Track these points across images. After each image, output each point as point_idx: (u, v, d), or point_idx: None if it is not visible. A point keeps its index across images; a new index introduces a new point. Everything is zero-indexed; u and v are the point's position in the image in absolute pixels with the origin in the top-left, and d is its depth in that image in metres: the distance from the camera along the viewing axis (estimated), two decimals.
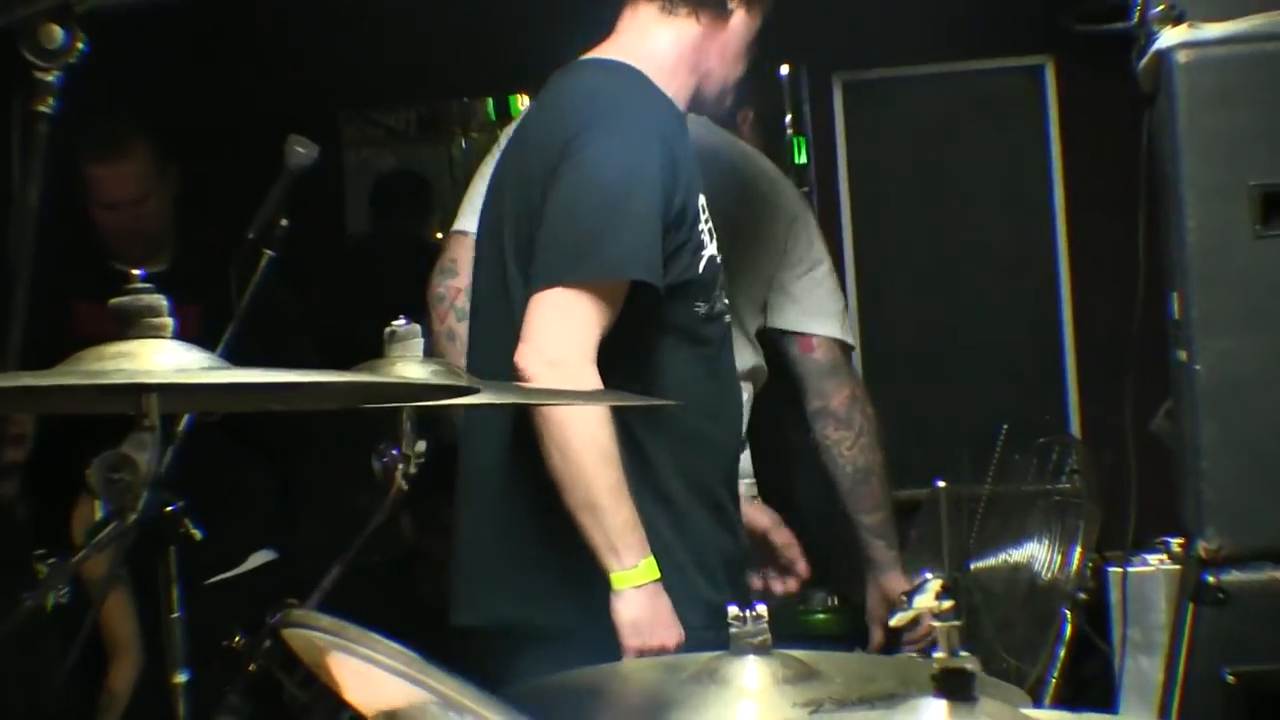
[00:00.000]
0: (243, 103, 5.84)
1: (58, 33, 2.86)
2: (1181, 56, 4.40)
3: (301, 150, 5.48)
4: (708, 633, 4.80)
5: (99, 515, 5.83)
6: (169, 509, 3.47)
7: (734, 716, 3.64)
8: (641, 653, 4.80)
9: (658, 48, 5.31)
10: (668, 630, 4.88)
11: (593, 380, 4.95)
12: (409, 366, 3.56)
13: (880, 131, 7.95)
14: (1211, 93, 4.37)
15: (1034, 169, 7.16)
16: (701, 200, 5.34)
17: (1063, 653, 4.44)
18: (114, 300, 2.89)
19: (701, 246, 5.27)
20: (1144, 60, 4.64)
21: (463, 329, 5.87)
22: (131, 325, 2.90)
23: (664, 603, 4.94)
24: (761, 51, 5.76)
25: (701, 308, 5.25)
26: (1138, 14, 4.60)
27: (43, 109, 2.84)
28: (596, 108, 5.28)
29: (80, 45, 2.87)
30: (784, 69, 7.55)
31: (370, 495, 4.99)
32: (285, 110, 5.65)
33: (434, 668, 3.28)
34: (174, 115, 6.38)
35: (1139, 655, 4.97)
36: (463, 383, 4.07)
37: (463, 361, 5.66)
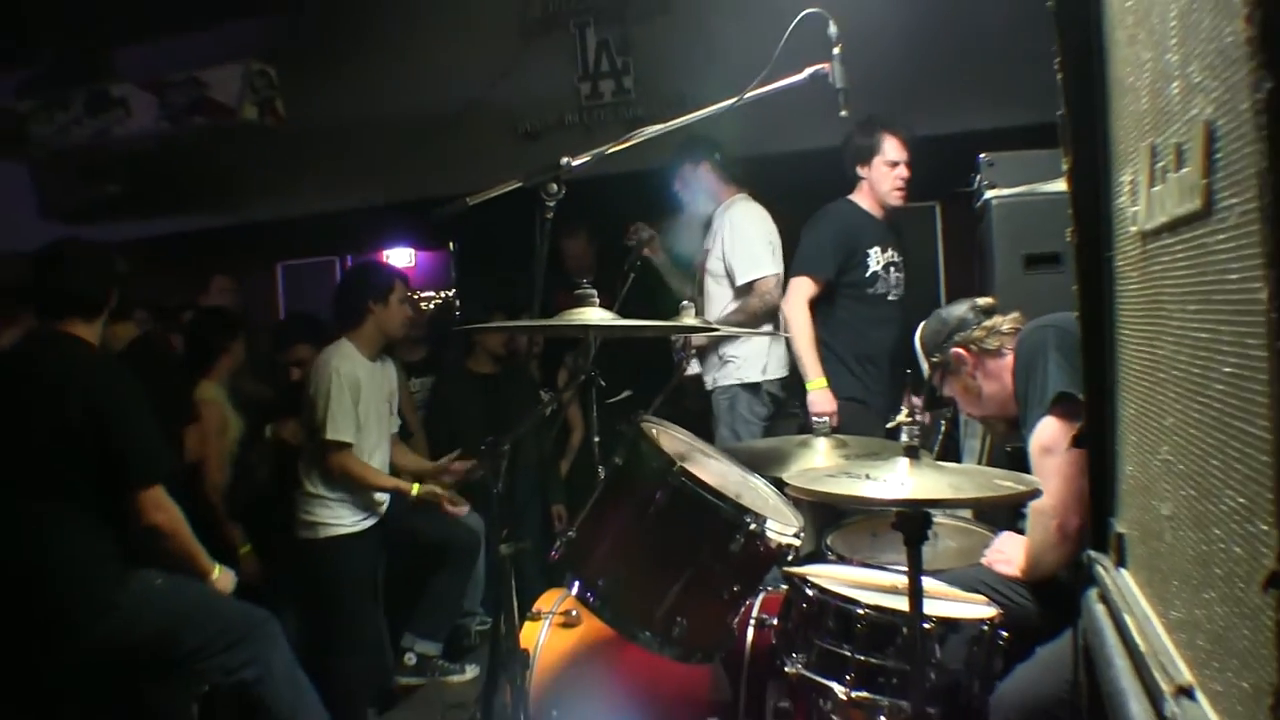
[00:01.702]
0: (622, 212, 5.65)
1: (555, 186, 2.83)
2: (995, 202, 4.28)
3: (644, 234, 5.40)
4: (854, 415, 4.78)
5: (566, 377, 5.79)
6: (593, 372, 3.20)
7: (814, 460, 3.53)
8: (817, 415, 4.58)
9: (861, 193, 5.07)
10: (829, 406, 4.75)
11: (804, 311, 4.87)
12: (688, 320, 3.49)
13: None
14: (1007, 216, 4.28)
15: (930, 254, 6.84)
16: (874, 247, 4.99)
17: (939, 438, 4.34)
18: (576, 291, 2.86)
19: (867, 267, 4.95)
20: (979, 203, 4.50)
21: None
22: (583, 303, 2.83)
23: (828, 397, 4.76)
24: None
25: (860, 289, 4.96)
26: (977, 182, 4.47)
27: (548, 217, 2.80)
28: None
29: (562, 191, 2.83)
30: None
31: (671, 372, 4.93)
32: (629, 215, 5.49)
33: (697, 438, 3.22)
34: (593, 221, 6.19)
35: (970, 439, 4.86)
36: (702, 325, 4.09)
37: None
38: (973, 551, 3.28)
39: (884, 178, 5.00)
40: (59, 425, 3.47)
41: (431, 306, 8.39)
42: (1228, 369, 0.95)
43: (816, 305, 4.97)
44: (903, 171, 5.01)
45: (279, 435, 5.14)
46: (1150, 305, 1.31)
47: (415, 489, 4.83)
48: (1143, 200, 1.29)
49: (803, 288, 4.95)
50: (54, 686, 3.57)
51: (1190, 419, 1.10)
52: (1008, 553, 3.10)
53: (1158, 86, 1.21)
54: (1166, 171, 1.16)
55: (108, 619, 3.52)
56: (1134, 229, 1.36)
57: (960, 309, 3.37)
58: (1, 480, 3.52)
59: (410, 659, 5.20)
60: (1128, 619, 1.31)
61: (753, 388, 5.34)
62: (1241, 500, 0.91)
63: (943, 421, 4.94)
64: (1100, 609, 1.51)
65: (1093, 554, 1.64)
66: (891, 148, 4.98)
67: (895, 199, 5.02)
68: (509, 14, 7.28)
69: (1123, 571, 1.50)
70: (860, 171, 5.05)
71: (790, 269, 5.09)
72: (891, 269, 5.04)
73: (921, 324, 3.50)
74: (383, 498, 4.88)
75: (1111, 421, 1.56)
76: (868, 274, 4.97)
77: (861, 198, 5.08)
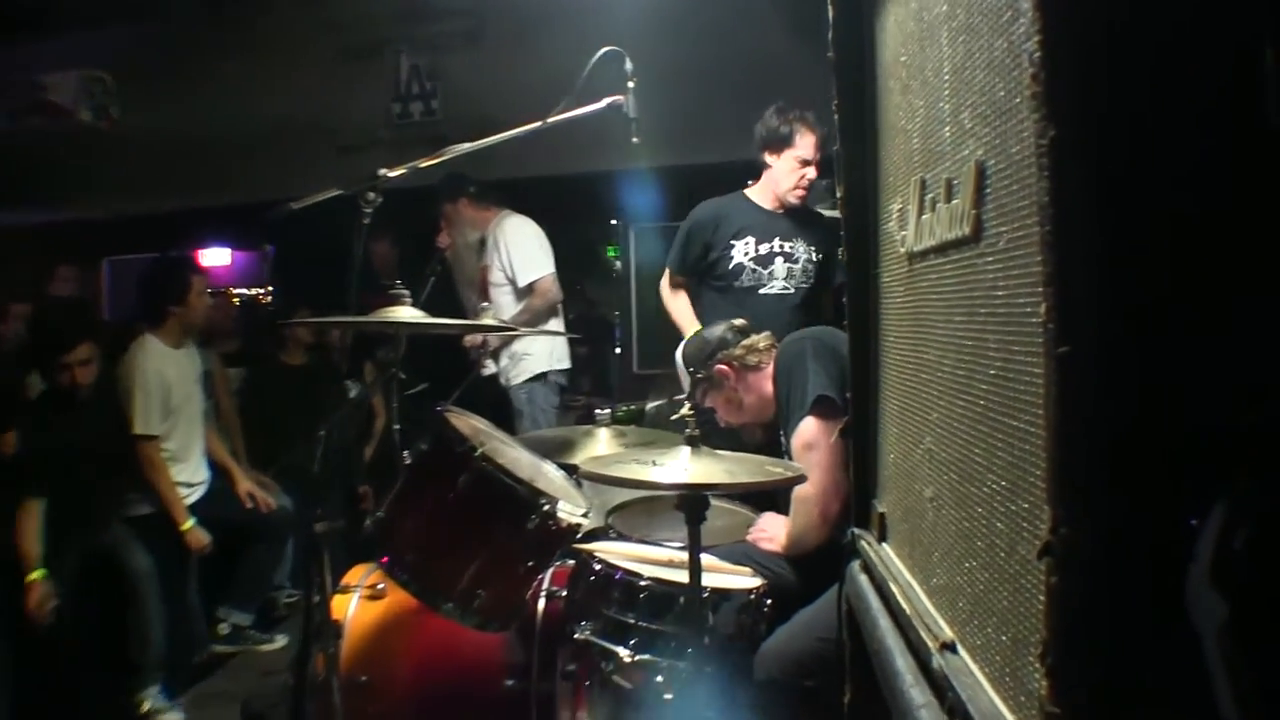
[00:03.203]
0: (424, 225, 5.65)
1: (372, 194, 2.79)
2: None
3: (444, 240, 5.33)
4: None
5: (373, 369, 5.59)
6: (394, 369, 3.07)
7: (597, 448, 3.54)
8: None
9: (760, 184, 4.37)
10: None
11: (669, 295, 4.49)
12: (485, 321, 3.45)
13: (647, 249, 7.50)
14: None
15: None
16: (745, 239, 4.31)
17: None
18: (391, 291, 2.80)
19: (729, 258, 4.30)
20: None
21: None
22: (396, 302, 2.76)
23: None
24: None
25: (724, 281, 4.30)
26: None
27: (365, 223, 2.73)
28: None
29: (380, 199, 2.77)
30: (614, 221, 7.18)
31: (468, 366, 4.87)
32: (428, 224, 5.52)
33: (495, 428, 3.18)
34: (397, 228, 6.01)
35: None
36: (500, 325, 4.02)
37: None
38: (737, 529, 3.34)
39: (789, 174, 4.28)
40: None
41: (259, 301, 8.09)
42: (993, 371, 0.99)
43: (694, 297, 4.52)
44: (811, 173, 4.28)
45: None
46: (915, 316, 1.36)
47: (187, 526, 4.53)
48: (911, 226, 1.34)
49: (664, 279, 4.53)
50: None
51: (954, 414, 1.14)
52: (770, 531, 3.16)
53: (929, 129, 1.25)
54: (936, 202, 1.20)
55: None
56: (901, 250, 1.41)
57: (719, 330, 3.39)
58: None
59: (224, 628, 5.09)
60: (891, 586, 1.35)
61: (546, 380, 5.34)
62: (1004, 483, 0.95)
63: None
64: (864, 579, 1.55)
65: (856, 531, 1.69)
66: (806, 145, 4.22)
67: (795, 198, 4.31)
68: (332, 39, 7.23)
69: (885, 546, 1.55)
70: (767, 158, 4.33)
71: None
72: (778, 260, 4.34)
73: (682, 343, 3.51)
74: (201, 478, 4.79)
75: (875, 416, 1.62)
76: (731, 265, 4.33)
77: (757, 190, 4.42)
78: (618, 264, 7.71)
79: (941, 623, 1.17)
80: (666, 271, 4.54)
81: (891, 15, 1.50)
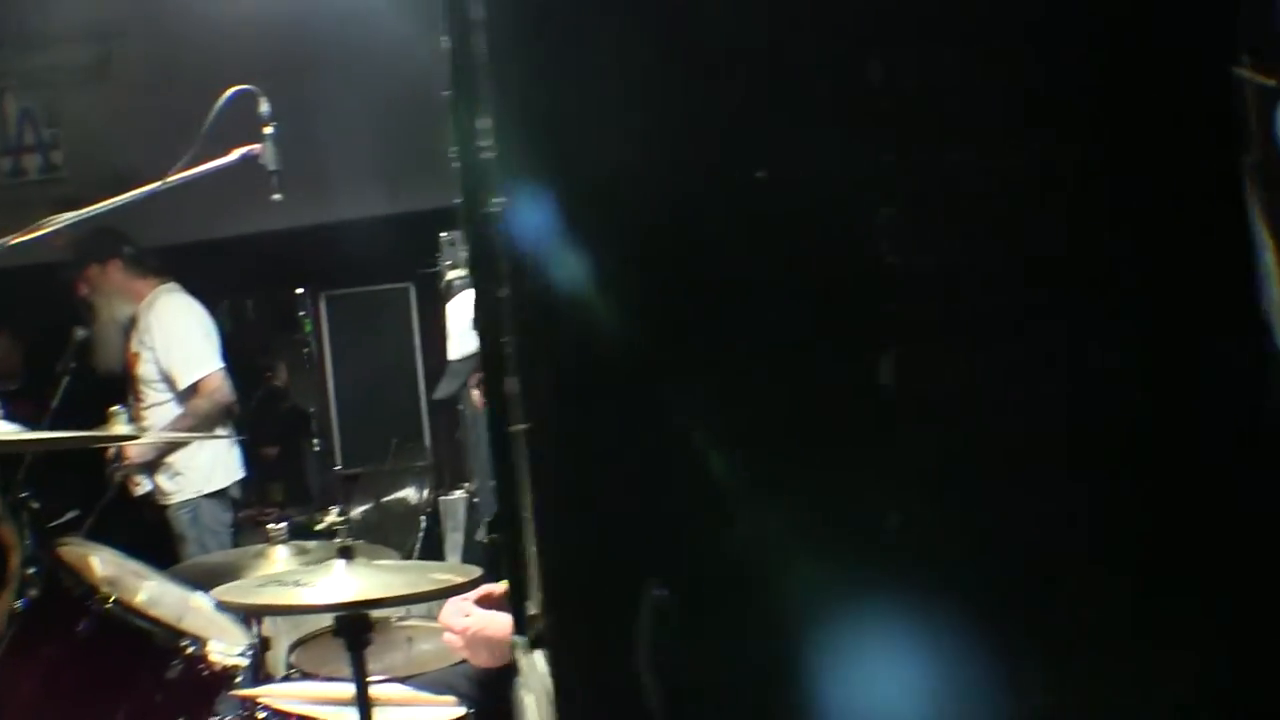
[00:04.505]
0: (55, 310, 5.40)
1: None
2: (457, 282, 4.34)
3: (81, 333, 5.16)
4: None
5: None
6: (24, 494, 3.00)
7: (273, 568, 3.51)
8: None
9: None
10: None
11: None
12: (120, 428, 3.39)
13: (342, 320, 7.44)
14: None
15: (407, 338, 6.84)
16: None
17: (421, 535, 4.40)
18: None
19: None
20: (444, 284, 4.52)
21: None
22: None
23: None
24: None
25: None
26: (441, 261, 4.54)
27: None
28: None
29: None
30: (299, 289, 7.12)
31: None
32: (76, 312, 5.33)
33: (128, 558, 3.14)
34: (17, 316, 5.83)
35: (452, 532, 4.96)
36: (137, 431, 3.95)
37: None
38: (451, 653, 3.35)
39: None
40: None
41: None
42: None
43: None
44: None
45: None
46: None
47: None
48: None
49: None
50: None
51: None
52: (479, 622, 3.03)
53: None
54: None
55: None
56: None
57: None
58: None
59: None
60: (528, 699, 1.44)
61: (215, 495, 5.23)
62: None
63: (424, 515, 5.07)
64: (527, 699, 1.61)
65: (515, 638, 1.76)
66: None
67: None
68: None
69: (538, 653, 1.63)
70: None
71: None
72: None
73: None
74: None
75: (520, 505, 1.70)
76: None
77: None
78: (309, 340, 7.62)
79: None
80: None
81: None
